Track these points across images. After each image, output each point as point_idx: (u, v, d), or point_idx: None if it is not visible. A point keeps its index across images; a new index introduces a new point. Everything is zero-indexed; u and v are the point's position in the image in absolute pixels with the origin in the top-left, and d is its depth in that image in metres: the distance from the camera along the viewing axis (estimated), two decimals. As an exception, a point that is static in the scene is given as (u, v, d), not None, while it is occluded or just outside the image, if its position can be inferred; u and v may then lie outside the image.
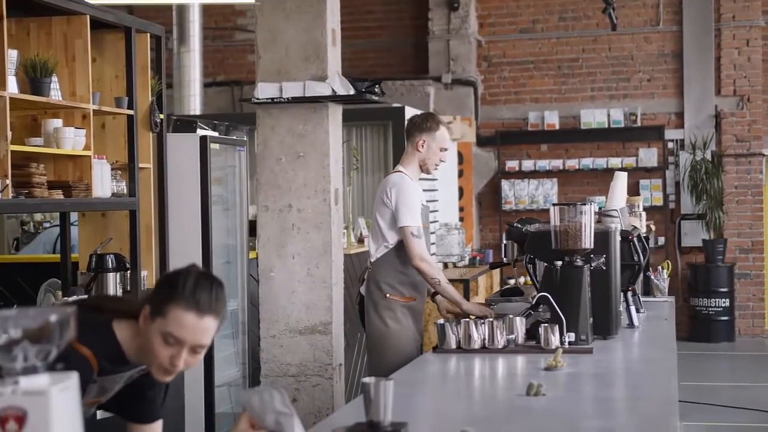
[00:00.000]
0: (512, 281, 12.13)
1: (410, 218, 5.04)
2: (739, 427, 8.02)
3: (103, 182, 5.20)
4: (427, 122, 5.24)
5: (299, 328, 5.49)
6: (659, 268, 6.38)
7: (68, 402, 1.75)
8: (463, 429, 2.60)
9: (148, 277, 5.77)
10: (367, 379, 2.72)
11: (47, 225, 8.60)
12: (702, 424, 8.07)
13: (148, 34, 5.80)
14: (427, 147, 5.21)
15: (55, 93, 4.87)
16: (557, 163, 12.66)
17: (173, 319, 2.52)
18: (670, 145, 12.57)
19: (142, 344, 2.61)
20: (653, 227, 8.26)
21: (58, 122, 4.95)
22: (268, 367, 5.49)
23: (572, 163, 12.62)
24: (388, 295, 5.12)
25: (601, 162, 12.51)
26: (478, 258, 10.81)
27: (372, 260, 5.21)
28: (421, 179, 8.99)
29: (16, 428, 1.69)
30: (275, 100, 5.53)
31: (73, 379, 1.78)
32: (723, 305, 12.08)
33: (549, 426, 2.91)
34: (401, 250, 5.11)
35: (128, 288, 5.51)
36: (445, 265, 10.10)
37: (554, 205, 4.43)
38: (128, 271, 5.48)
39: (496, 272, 10.88)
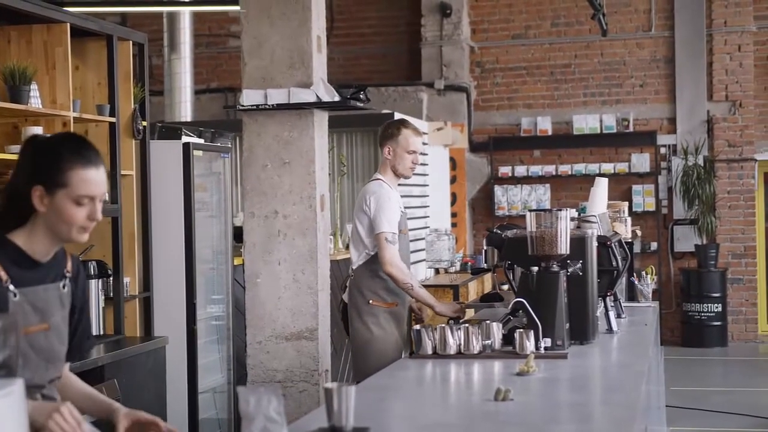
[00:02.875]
0: (506, 287, 12.14)
1: (387, 225, 5.14)
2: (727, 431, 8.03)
3: (85, 189, 5.21)
4: (388, 129, 5.38)
5: (285, 334, 5.50)
6: (643, 273, 6.39)
7: (11, 408, 1.77)
8: (423, 434, 2.61)
9: (131, 283, 5.78)
10: (328, 385, 2.74)
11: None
12: (693, 429, 8.08)
13: (131, 42, 5.82)
14: (393, 153, 5.32)
15: (35, 100, 4.90)
16: (550, 169, 12.67)
17: (78, 182, 2.65)
18: (663, 150, 12.59)
19: (46, 230, 2.67)
20: (639, 233, 8.28)
21: (38, 130, 4.97)
22: (254, 373, 5.50)
23: (565, 169, 12.64)
24: (371, 301, 5.23)
25: (593, 167, 12.52)
26: (470, 264, 10.82)
27: (353, 267, 5.32)
28: (409, 185, 9.02)
29: (-44, 434, 1.71)
30: (260, 106, 5.55)
31: (17, 385, 1.80)
32: (716, 310, 12.08)
33: (513, 430, 2.93)
34: None
35: (111, 295, 5.52)
36: (436, 271, 10.12)
37: (530, 210, 4.45)
38: (110, 278, 5.50)
39: (488, 278, 10.89)
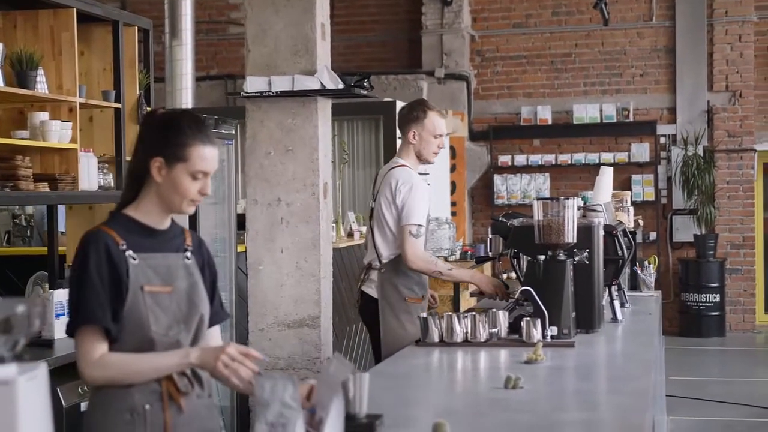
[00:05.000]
0: (505, 276, 12.15)
1: (414, 217, 4.90)
2: (729, 421, 8.05)
3: (90, 175, 5.21)
4: (413, 112, 5.12)
5: (288, 321, 5.50)
6: (646, 263, 6.40)
7: (36, 392, 1.77)
8: (437, 421, 2.62)
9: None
10: (342, 372, 2.74)
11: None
12: (692, 419, 8.10)
13: (136, 28, 5.81)
14: (419, 137, 5.10)
15: (42, 86, 4.88)
16: (550, 158, 12.68)
17: (196, 158, 2.79)
18: (663, 140, 12.60)
19: (157, 200, 2.82)
20: (641, 222, 8.28)
21: (44, 115, 4.96)
22: (256, 360, 5.50)
23: (565, 158, 12.65)
24: (407, 298, 5.01)
25: (593, 157, 12.53)
26: (469, 252, 10.83)
27: (383, 261, 5.06)
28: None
29: (-18, 417, 1.71)
30: (264, 93, 5.54)
31: (41, 369, 1.80)
32: (714, 300, 12.11)
33: (524, 418, 2.94)
34: None
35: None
36: (436, 260, 10.12)
37: (537, 199, 4.44)
38: (115, 264, 5.48)
39: (488, 266, 10.91)
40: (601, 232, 4.66)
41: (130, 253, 2.77)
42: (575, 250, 4.45)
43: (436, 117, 5.12)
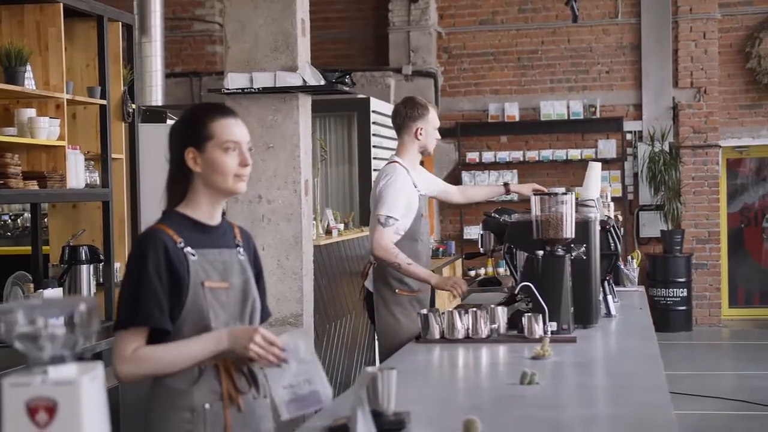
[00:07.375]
0: (472, 272, 12.18)
1: (384, 207, 4.98)
2: (701, 414, 8.12)
3: (77, 173, 5.13)
4: (416, 109, 5.21)
5: (270, 320, 5.45)
6: (629, 258, 6.42)
7: (97, 391, 1.73)
8: (467, 418, 2.60)
9: (121, 269, 5.69)
10: (371, 369, 2.71)
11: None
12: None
13: (120, 23, 5.73)
14: (425, 133, 5.22)
15: (29, 82, 4.80)
16: (517, 155, 12.72)
17: (220, 130, 2.80)
18: (629, 136, 12.68)
19: (205, 190, 2.80)
20: (620, 217, 8.34)
21: (31, 112, 4.87)
22: (239, 358, 5.45)
23: (532, 155, 12.68)
24: (397, 290, 5.09)
25: (560, 153, 12.58)
26: (440, 249, 10.85)
27: (376, 255, 5.08)
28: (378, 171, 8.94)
29: (47, 419, 1.67)
30: (245, 90, 5.50)
31: (99, 368, 1.76)
32: (681, 295, 12.22)
33: (550, 414, 2.92)
34: (405, 243, 5.05)
35: (101, 280, 5.44)
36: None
37: (535, 194, 4.44)
38: (101, 263, 5.41)
39: (459, 263, 10.93)
40: (597, 227, 4.67)
41: (188, 249, 2.76)
42: (572, 245, 4.45)
43: (433, 110, 5.29)
